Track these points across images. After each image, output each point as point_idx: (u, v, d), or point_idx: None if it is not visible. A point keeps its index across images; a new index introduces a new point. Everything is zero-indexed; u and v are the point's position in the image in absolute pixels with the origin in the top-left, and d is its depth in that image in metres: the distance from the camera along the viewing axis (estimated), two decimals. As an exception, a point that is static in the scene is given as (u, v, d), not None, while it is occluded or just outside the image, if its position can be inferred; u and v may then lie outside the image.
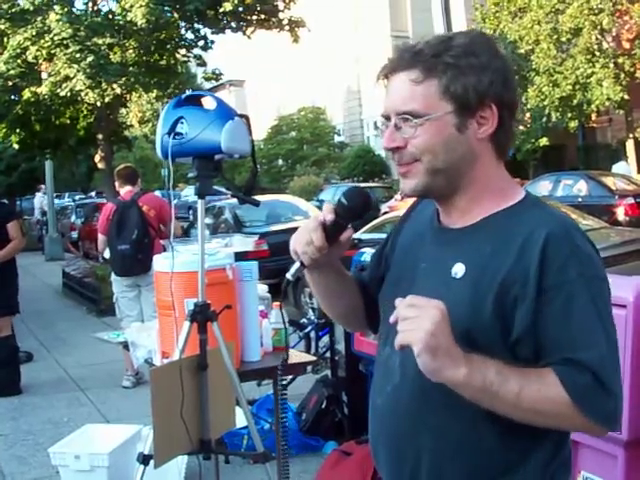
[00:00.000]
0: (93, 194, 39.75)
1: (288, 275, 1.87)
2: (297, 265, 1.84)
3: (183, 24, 21.52)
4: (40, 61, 19.35)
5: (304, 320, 7.42)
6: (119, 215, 7.59)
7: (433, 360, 1.49)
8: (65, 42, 18.52)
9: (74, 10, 20.26)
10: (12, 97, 20.96)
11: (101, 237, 7.83)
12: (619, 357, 1.63)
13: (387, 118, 1.71)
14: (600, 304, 1.59)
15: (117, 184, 8.04)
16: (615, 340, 1.61)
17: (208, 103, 3.43)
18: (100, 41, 18.90)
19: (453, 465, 1.68)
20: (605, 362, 1.55)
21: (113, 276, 7.87)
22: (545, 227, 1.59)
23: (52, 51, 18.75)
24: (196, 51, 22.81)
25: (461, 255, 1.68)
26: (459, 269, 1.67)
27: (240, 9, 20.52)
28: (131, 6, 18.68)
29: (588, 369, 1.53)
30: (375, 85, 1.74)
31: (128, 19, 18.85)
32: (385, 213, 13.02)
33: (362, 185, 23.92)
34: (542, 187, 17.03)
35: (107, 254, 7.82)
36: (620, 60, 23.35)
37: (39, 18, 19.07)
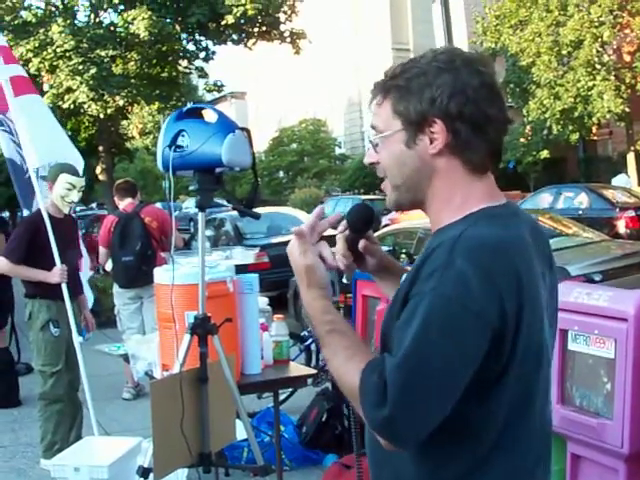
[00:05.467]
0: (94, 205, 39.79)
1: (344, 280, 2.22)
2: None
3: (185, 36, 21.57)
4: (42, 73, 19.38)
5: (305, 333, 7.41)
6: (122, 227, 7.60)
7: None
8: (68, 54, 18.57)
9: (76, 22, 20.30)
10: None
11: (102, 250, 7.80)
12: (428, 380, 1.54)
13: None
14: (431, 321, 1.54)
15: (116, 198, 8.05)
16: (426, 359, 1.54)
17: (209, 116, 3.44)
18: (103, 53, 18.95)
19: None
20: (395, 372, 1.53)
21: (115, 288, 7.86)
22: (439, 239, 1.65)
23: (54, 63, 18.80)
24: (198, 63, 22.89)
25: None
26: (402, 279, 1.83)
27: (242, 21, 20.57)
28: (133, 19, 18.73)
29: (382, 371, 1.56)
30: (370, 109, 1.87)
31: (130, 31, 18.88)
32: (386, 225, 13.02)
33: (362, 197, 23.92)
34: (543, 200, 17.02)
35: (109, 266, 7.82)
36: (621, 73, 23.37)
37: (42, 30, 19.13)
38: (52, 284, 5.56)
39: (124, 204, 7.86)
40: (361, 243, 2.03)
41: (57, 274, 5.56)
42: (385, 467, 1.78)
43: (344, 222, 2.01)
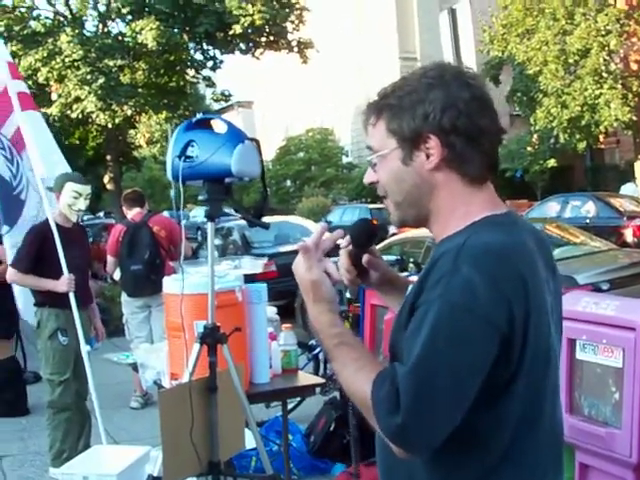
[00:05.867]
0: (101, 214, 39.87)
1: (348, 294, 2.18)
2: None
3: (192, 45, 21.64)
4: (51, 82, 19.45)
5: (312, 342, 7.41)
6: (130, 236, 7.62)
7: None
8: (76, 63, 18.65)
9: (85, 32, 20.39)
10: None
11: (111, 259, 7.83)
12: (438, 388, 1.56)
13: None
14: (439, 329, 1.56)
15: (124, 208, 8.09)
16: (436, 367, 1.55)
17: (218, 126, 3.46)
18: (111, 63, 19.01)
19: None
20: (406, 380, 1.55)
21: (124, 297, 7.88)
22: (444, 247, 1.67)
23: (63, 72, 18.87)
24: (205, 72, 22.95)
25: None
26: (409, 290, 1.85)
27: (249, 31, 20.62)
28: (141, 29, 18.79)
29: (393, 379, 1.57)
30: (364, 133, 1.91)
31: (138, 41, 18.94)
32: (393, 235, 13.01)
33: (370, 206, 23.91)
34: (550, 208, 17.00)
35: (117, 275, 7.84)
36: (628, 81, 23.36)
37: (50, 40, 19.22)
38: (61, 293, 5.58)
39: (132, 214, 7.89)
40: (364, 257, 2.05)
41: (64, 283, 5.57)
42: (397, 474, 1.79)
43: (347, 237, 2.03)
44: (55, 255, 5.54)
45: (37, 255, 5.66)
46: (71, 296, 5.56)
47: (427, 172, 1.75)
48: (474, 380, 1.58)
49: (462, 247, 1.62)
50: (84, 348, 5.63)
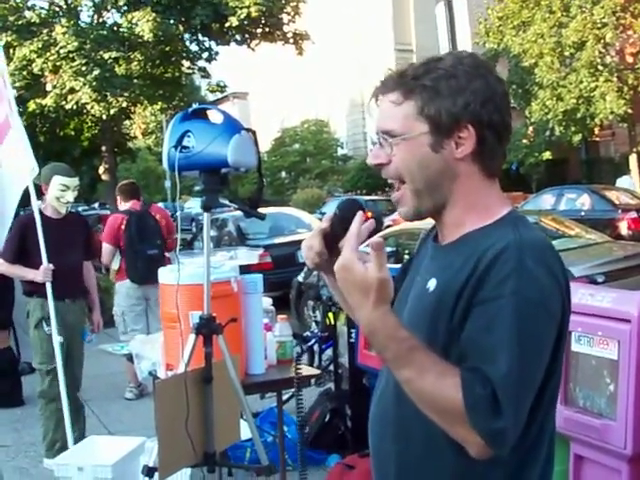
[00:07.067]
0: (96, 205, 39.80)
1: (299, 277, 2.06)
2: (306, 268, 2.00)
3: (188, 37, 21.61)
4: (46, 73, 19.41)
5: (307, 333, 7.39)
6: (136, 223, 7.66)
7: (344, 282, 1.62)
8: (71, 55, 18.59)
9: (80, 23, 20.32)
10: (17, 108, 21.09)
11: (109, 247, 7.71)
12: (528, 386, 1.57)
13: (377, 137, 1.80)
14: (523, 327, 1.55)
15: (119, 199, 8.09)
16: (527, 366, 1.55)
17: (215, 117, 3.45)
18: (106, 55, 18.95)
19: (416, 475, 1.75)
20: (505, 383, 1.51)
21: (123, 288, 7.77)
22: (501, 243, 1.61)
23: (58, 63, 18.83)
24: (200, 63, 22.92)
25: (437, 271, 1.76)
26: (432, 284, 1.74)
27: (245, 22, 20.59)
28: (138, 20, 18.74)
29: (490, 383, 1.52)
30: (370, 106, 1.82)
31: (134, 32, 18.90)
32: (388, 226, 13.01)
33: (365, 198, 23.93)
34: (545, 201, 17.02)
35: (115, 265, 7.78)
36: (623, 74, 23.35)
37: (45, 31, 19.16)
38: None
39: (129, 204, 7.91)
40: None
41: (41, 273, 5.57)
42: (415, 469, 1.75)
43: (329, 217, 1.89)
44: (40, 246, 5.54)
45: (21, 245, 5.68)
46: (48, 286, 5.54)
47: (453, 161, 1.71)
48: (542, 374, 1.61)
49: (521, 243, 1.61)
50: (56, 339, 5.56)
